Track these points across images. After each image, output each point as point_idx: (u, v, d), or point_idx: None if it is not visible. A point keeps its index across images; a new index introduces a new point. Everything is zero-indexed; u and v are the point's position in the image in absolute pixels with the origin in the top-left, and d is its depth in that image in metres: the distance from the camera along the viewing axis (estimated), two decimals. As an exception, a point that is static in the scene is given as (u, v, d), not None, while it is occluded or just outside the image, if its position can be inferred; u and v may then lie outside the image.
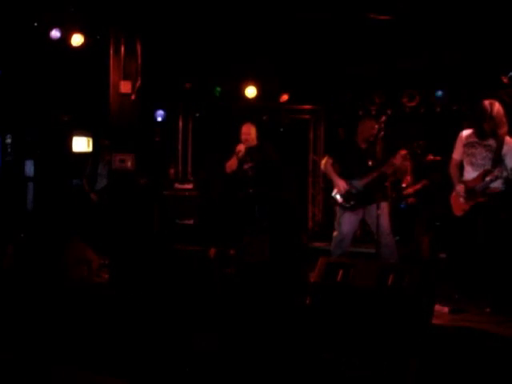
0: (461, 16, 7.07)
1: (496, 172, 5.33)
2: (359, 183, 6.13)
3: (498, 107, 5.36)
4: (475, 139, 5.49)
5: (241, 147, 6.78)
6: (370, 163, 6.13)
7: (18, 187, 10.05)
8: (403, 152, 7.28)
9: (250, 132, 6.87)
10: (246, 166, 6.84)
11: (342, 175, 6.22)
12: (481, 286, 5.46)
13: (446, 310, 5.26)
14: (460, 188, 5.49)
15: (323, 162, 6.50)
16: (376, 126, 6.19)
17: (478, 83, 8.03)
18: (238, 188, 6.92)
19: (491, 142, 5.40)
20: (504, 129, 5.38)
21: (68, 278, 6.22)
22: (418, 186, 8.19)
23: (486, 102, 5.38)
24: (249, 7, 7.27)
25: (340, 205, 6.21)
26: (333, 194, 6.29)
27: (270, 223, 6.82)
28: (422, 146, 6.58)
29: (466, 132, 5.60)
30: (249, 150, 6.83)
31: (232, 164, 6.81)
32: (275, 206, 6.92)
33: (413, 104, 9.14)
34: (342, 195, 6.18)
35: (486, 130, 5.37)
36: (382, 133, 6.07)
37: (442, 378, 3.65)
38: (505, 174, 5.30)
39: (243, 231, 6.84)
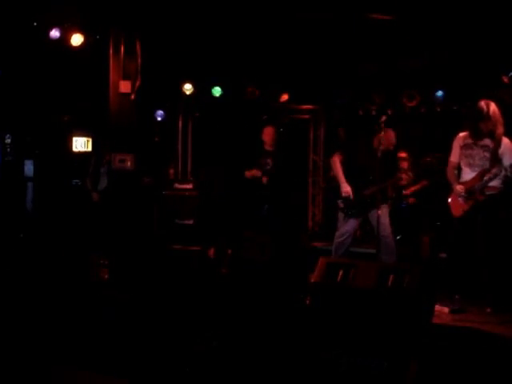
0: (461, 16, 7.07)
1: (494, 171, 5.34)
2: (367, 191, 6.11)
3: (494, 107, 5.37)
4: (472, 140, 5.50)
5: (270, 161, 7.20)
6: (380, 170, 6.09)
7: (17, 187, 10.04)
8: (401, 154, 7.29)
9: (274, 135, 7.29)
10: (267, 167, 7.20)
11: (349, 178, 6.20)
12: (481, 285, 5.46)
13: (446, 310, 5.26)
14: (460, 188, 5.49)
15: (333, 157, 6.46)
16: (394, 135, 6.23)
17: (478, 83, 8.03)
18: (255, 187, 7.07)
19: (488, 142, 5.41)
20: (500, 129, 5.38)
21: (68, 277, 6.22)
22: (417, 187, 8.20)
23: (482, 103, 5.39)
24: (249, 7, 7.27)
25: (341, 210, 6.22)
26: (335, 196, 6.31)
27: (274, 224, 6.86)
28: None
29: (462, 134, 5.61)
30: (270, 152, 7.21)
31: (255, 173, 7.19)
32: (284, 207, 7.00)
33: (413, 104, 9.13)
34: (344, 202, 6.17)
35: (483, 129, 5.38)
36: (383, 133, 6.05)
37: (442, 378, 3.65)
38: (503, 172, 5.30)
39: (243, 227, 6.87)
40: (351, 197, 6.12)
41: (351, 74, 9.20)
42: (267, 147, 7.33)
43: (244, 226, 7.02)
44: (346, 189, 6.15)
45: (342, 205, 6.19)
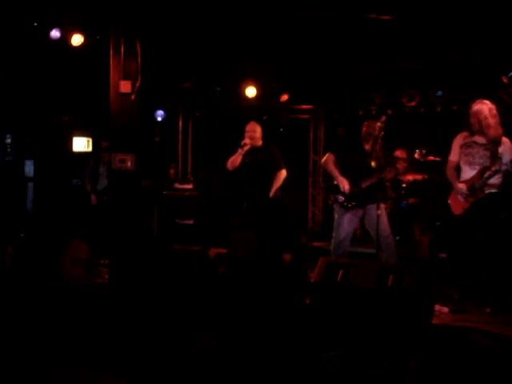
0: (461, 16, 7.07)
1: (494, 168, 5.35)
2: (361, 184, 6.11)
3: (479, 106, 5.42)
4: (472, 139, 5.52)
5: (247, 141, 6.57)
6: (373, 164, 6.12)
7: (17, 187, 10.05)
8: (400, 153, 7.27)
9: (255, 130, 6.67)
10: (246, 160, 6.66)
11: (344, 174, 6.20)
12: (481, 285, 5.47)
13: (445, 310, 5.27)
14: (462, 185, 5.49)
15: (324, 158, 6.45)
16: (378, 125, 6.16)
17: (478, 83, 8.03)
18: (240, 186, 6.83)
19: (488, 140, 5.43)
20: (491, 130, 5.39)
21: (68, 277, 6.22)
22: (417, 176, 8.18)
23: (476, 101, 5.45)
24: (249, 7, 7.27)
25: (341, 205, 6.19)
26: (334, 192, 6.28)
27: (257, 220, 6.65)
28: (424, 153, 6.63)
29: (462, 133, 5.64)
30: (253, 149, 6.64)
31: (235, 160, 6.59)
32: (265, 205, 6.74)
33: (413, 104, 9.14)
34: (343, 195, 6.16)
35: (471, 127, 5.44)
36: (382, 133, 6.06)
37: (442, 378, 3.65)
38: (504, 167, 5.31)
39: (232, 227, 6.80)
40: (349, 188, 6.11)
41: (351, 74, 9.20)
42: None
43: (233, 224, 6.93)
44: (343, 181, 6.14)
45: (341, 198, 6.19)
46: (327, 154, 6.43)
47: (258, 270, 6.15)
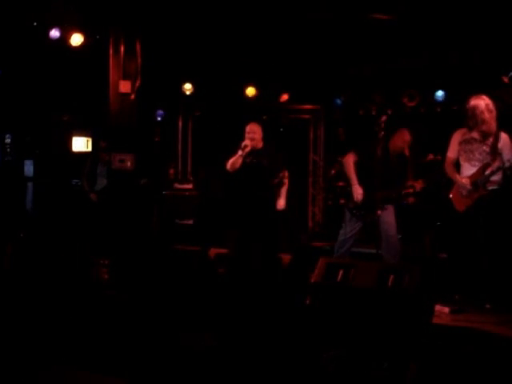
0: (461, 16, 7.07)
1: (495, 165, 5.35)
2: (377, 194, 6.06)
3: (475, 102, 5.40)
4: (470, 135, 5.50)
5: (247, 142, 6.25)
6: (394, 175, 6.10)
7: (17, 187, 10.05)
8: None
9: (256, 132, 6.36)
10: (247, 161, 6.40)
11: (361, 180, 6.14)
12: (481, 285, 5.46)
13: (446, 310, 5.26)
14: (466, 181, 5.47)
15: (346, 157, 6.35)
16: (408, 138, 6.18)
17: (478, 83, 8.03)
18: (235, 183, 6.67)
19: (486, 136, 5.43)
20: (484, 125, 5.39)
21: (68, 277, 6.22)
22: (416, 189, 8.17)
23: (472, 98, 5.44)
24: (249, 7, 7.27)
25: (350, 212, 6.19)
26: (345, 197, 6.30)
27: (242, 220, 6.52)
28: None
29: (460, 130, 5.62)
30: (254, 151, 6.35)
31: (236, 162, 6.25)
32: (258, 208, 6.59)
33: (413, 104, 9.14)
34: (354, 203, 6.14)
35: (470, 125, 5.43)
36: (382, 133, 6.05)
37: (442, 378, 3.65)
38: (506, 164, 5.31)
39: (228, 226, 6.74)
40: (362, 200, 6.09)
41: (351, 74, 9.21)
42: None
43: (228, 224, 6.86)
44: (359, 191, 6.10)
45: (351, 205, 6.18)
46: (350, 154, 6.33)
47: (241, 268, 6.13)
